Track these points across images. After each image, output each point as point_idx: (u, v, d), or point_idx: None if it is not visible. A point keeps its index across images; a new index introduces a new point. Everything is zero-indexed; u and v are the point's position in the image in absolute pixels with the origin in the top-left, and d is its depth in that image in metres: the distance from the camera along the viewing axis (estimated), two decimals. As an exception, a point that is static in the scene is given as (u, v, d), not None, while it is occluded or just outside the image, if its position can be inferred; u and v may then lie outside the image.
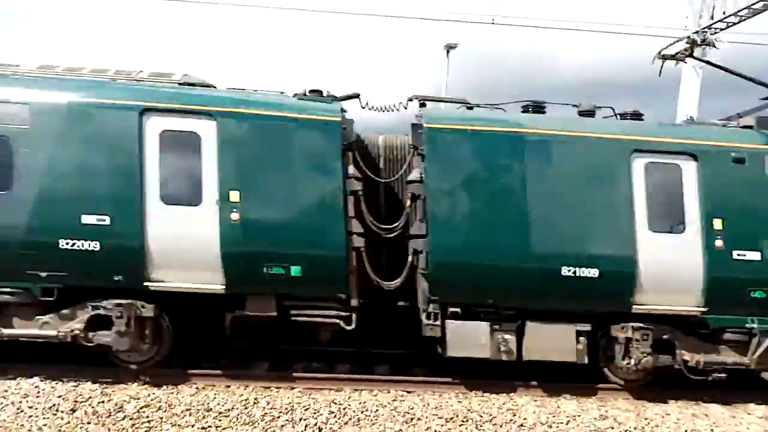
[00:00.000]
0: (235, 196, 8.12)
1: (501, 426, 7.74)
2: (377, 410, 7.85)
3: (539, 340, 8.65)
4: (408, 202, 8.79)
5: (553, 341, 8.64)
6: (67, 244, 7.85)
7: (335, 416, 7.62)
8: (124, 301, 8.09)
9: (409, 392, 8.60)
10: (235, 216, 8.09)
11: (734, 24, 16.76)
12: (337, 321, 8.58)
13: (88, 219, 7.88)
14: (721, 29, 17.18)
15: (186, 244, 8.09)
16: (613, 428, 7.92)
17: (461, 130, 8.73)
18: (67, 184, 7.93)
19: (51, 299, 8.04)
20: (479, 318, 8.61)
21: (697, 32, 17.54)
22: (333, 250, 8.30)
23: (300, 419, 7.48)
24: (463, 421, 7.76)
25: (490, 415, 7.94)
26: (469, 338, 8.57)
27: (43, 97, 8.09)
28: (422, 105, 9.18)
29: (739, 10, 15.60)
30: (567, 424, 7.91)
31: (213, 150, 8.23)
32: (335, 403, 7.91)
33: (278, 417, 7.48)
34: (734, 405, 9.05)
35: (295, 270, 8.21)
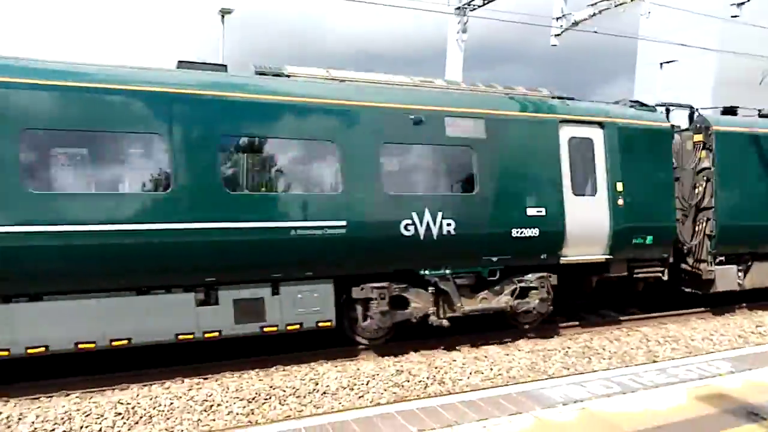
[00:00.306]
0: (620, 186, 10.48)
1: (305, 397, 7.67)
2: (171, 403, 7.25)
3: (758, 273, 12.52)
4: (703, 184, 11.96)
5: (765, 273, 12.56)
6: (517, 232, 9.56)
7: (123, 417, 6.86)
8: (544, 274, 10.12)
9: (206, 378, 8.12)
10: (620, 202, 10.47)
11: (491, 1, 18.40)
12: (660, 275, 11.31)
13: (531, 211, 9.68)
14: (479, 6, 18.79)
15: (587, 226, 10.20)
16: (408, 381, 8.34)
17: (737, 132, 12.20)
18: (516, 183, 9.64)
19: (494, 279, 9.80)
20: (729, 263, 12.11)
21: (458, 8, 18.99)
22: (670, 222, 11.13)
23: (81, 428, 6.60)
24: (266, 399, 7.54)
25: (294, 388, 7.82)
26: (728, 277, 12.09)
27: (493, 113, 9.61)
28: (668, 110, 12.30)
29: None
30: (367, 384, 8.13)
31: (602, 151, 10.47)
32: (122, 403, 7.13)
33: (52, 430, 6.51)
34: (507, 344, 10.17)
35: (648, 239, 10.80)
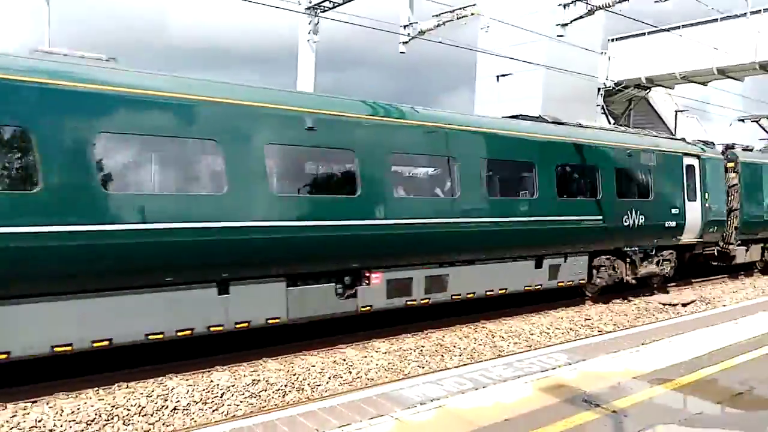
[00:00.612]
0: (707, 196, 16.55)
1: (153, 415, 7.12)
2: (-8, 434, 6.35)
3: (754, 251, 19.56)
4: (735, 195, 18.22)
5: (757, 251, 19.88)
6: (667, 224, 15.36)
7: (-72, 456, 5.88)
8: (671, 251, 16.08)
9: (35, 402, 7.21)
10: (707, 205, 16.52)
11: (339, 4, 18.46)
12: (715, 252, 17.84)
13: (673, 210, 15.50)
14: (330, 8, 18.78)
15: (692, 220, 16.00)
16: (266, 390, 8.08)
17: (752, 162, 19.23)
18: (666, 192, 15.41)
19: (653, 252, 15.42)
20: (741, 245, 18.69)
21: (308, 8, 18.83)
22: (724, 217, 17.48)
23: None
24: (108, 420, 6.89)
25: (140, 406, 7.22)
26: (741, 254, 18.73)
27: (659, 149, 15.60)
28: (725, 148, 19.31)
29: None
30: (222, 396, 7.75)
31: (698, 173, 16.43)
32: (-74, 439, 6.10)
33: None
34: (364, 345, 10.23)
35: (715, 229, 17.03)
